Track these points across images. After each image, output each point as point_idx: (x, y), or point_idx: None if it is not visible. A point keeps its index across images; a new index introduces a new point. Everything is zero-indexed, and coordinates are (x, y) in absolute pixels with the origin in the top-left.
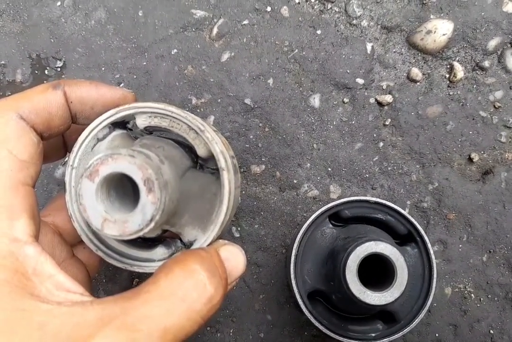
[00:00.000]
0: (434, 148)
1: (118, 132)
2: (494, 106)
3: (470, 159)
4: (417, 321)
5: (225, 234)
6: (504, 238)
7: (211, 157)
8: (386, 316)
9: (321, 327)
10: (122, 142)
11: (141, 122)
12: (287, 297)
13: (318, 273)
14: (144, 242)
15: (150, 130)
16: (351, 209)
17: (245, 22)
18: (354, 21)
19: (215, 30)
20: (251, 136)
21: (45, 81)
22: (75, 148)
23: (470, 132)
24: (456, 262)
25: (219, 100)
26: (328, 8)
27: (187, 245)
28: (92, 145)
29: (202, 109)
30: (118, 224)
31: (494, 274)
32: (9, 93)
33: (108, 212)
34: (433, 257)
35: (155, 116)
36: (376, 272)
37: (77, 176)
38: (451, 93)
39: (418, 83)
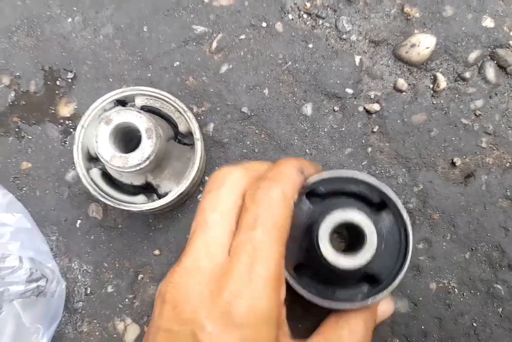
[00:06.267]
0: (419, 153)
1: (119, 107)
2: (475, 114)
3: (453, 164)
4: (397, 281)
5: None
6: (485, 237)
7: (189, 134)
8: (370, 279)
9: (307, 295)
10: None
11: (139, 102)
12: None
13: (300, 248)
14: (130, 189)
15: (145, 110)
16: (326, 184)
17: (242, 37)
18: (344, 36)
19: (214, 44)
20: (248, 142)
21: (56, 92)
22: (87, 113)
23: (453, 139)
24: (440, 259)
25: (218, 109)
26: (320, 23)
27: (162, 196)
28: (100, 113)
29: (202, 117)
30: (122, 158)
31: (476, 271)
32: (23, 103)
33: (115, 150)
34: (407, 221)
35: (150, 98)
36: (357, 242)
37: (85, 134)
38: (434, 102)
39: (404, 93)
